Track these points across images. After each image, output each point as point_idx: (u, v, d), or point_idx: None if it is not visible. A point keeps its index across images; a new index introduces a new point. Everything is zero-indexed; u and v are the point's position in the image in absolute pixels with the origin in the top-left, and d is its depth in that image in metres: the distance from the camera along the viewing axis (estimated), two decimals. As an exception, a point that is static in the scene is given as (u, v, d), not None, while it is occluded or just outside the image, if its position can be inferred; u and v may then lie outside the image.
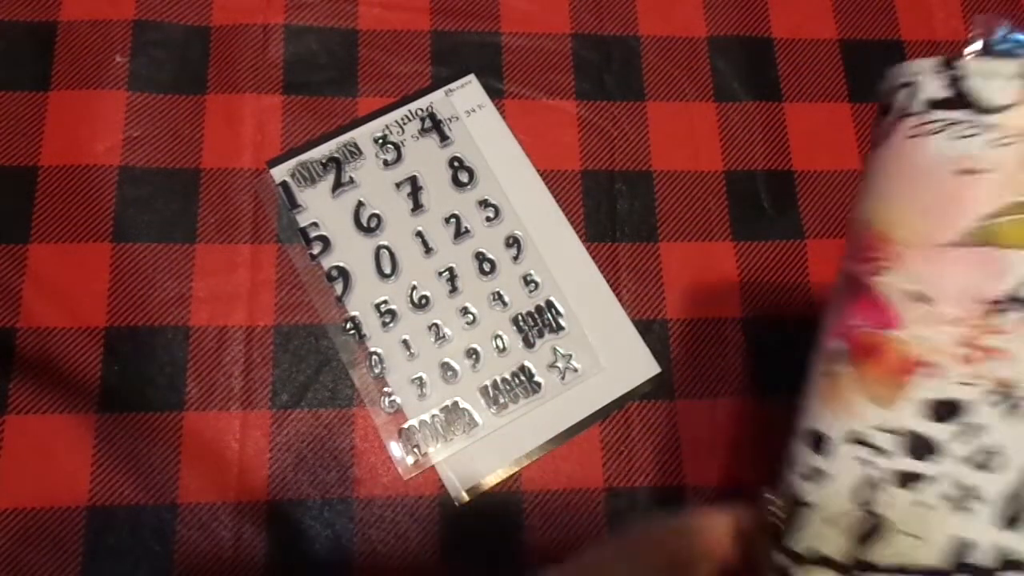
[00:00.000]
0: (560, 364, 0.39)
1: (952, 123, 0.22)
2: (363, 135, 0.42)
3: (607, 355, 0.39)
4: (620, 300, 0.40)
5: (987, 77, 0.21)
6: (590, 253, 0.41)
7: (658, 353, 0.40)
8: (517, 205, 0.41)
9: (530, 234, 0.41)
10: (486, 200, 0.41)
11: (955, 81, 0.22)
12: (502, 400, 0.38)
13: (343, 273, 0.40)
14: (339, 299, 0.39)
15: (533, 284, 0.40)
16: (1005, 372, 0.21)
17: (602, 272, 0.41)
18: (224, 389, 0.38)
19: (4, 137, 0.40)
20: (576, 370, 0.39)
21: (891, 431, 0.22)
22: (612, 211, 0.42)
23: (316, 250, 0.40)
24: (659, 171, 0.43)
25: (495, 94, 0.43)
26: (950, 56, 0.22)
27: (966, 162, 0.21)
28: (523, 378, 0.39)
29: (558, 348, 0.39)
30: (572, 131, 0.43)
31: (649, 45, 0.45)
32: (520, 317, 0.40)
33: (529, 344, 0.39)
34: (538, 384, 0.39)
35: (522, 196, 0.41)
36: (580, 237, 0.41)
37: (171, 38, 0.43)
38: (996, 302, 0.21)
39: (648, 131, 0.44)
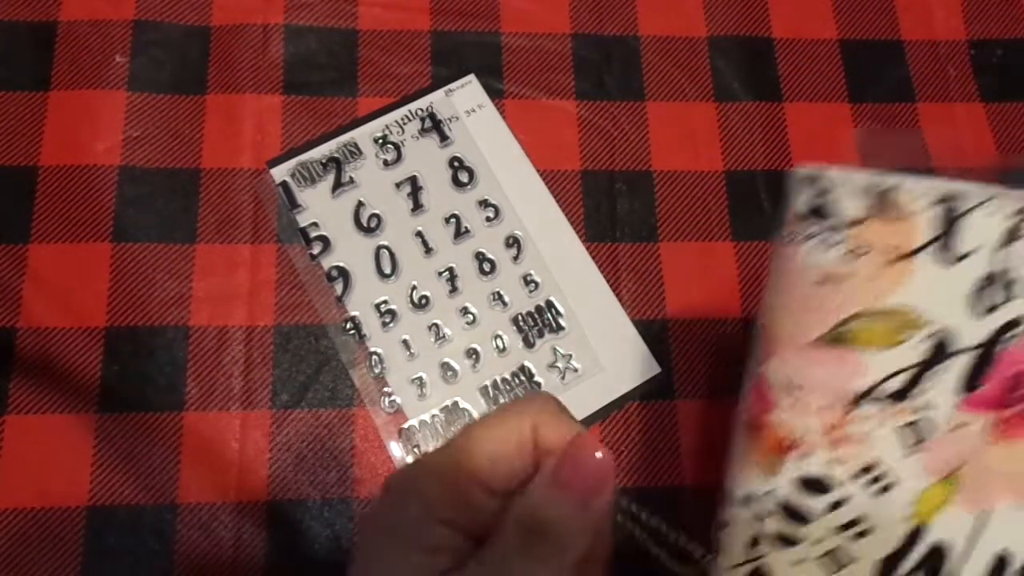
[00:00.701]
0: (560, 364, 0.39)
1: (813, 235, 0.24)
2: (363, 135, 0.42)
3: (607, 355, 0.39)
4: (620, 300, 0.40)
5: (842, 192, 0.24)
6: (590, 253, 0.41)
7: (658, 353, 0.40)
8: (517, 205, 0.41)
9: (530, 234, 0.41)
10: (486, 200, 0.41)
11: (819, 194, 0.24)
12: (502, 400, 0.38)
13: (343, 273, 0.40)
14: (339, 299, 0.39)
15: (533, 284, 0.40)
16: (866, 456, 0.24)
17: (602, 272, 0.41)
18: (224, 389, 0.38)
19: (4, 137, 0.40)
20: (576, 370, 0.39)
21: (773, 499, 0.25)
22: (612, 211, 0.42)
23: (316, 250, 0.40)
24: (659, 171, 0.43)
25: (495, 94, 0.43)
26: (814, 172, 0.24)
27: (823, 272, 0.24)
28: (523, 378, 0.39)
29: (558, 348, 0.39)
30: (572, 131, 0.43)
31: (649, 45, 0.45)
32: (520, 317, 0.40)
33: (529, 344, 0.39)
34: (538, 384, 0.39)
35: (522, 196, 0.42)
36: (580, 237, 0.41)
37: (171, 38, 0.43)
38: (855, 396, 0.24)
39: (648, 131, 0.44)
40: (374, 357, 0.39)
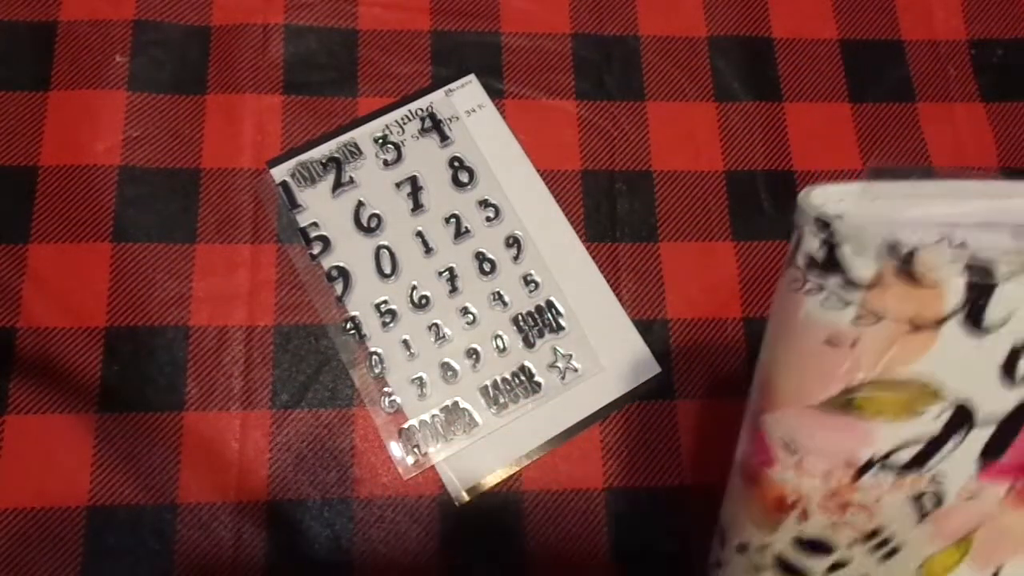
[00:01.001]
0: (560, 364, 0.39)
1: (822, 288, 0.21)
2: (363, 135, 0.42)
3: (607, 355, 0.39)
4: (620, 300, 0.40)
5: (855, 247, 0.20)
6: (590, 253, 0.41)
7: (658, 353, 0.40)
8: (517, 205, 0.41)
9: (530, 234, 0.41)
10: (486, 200, 0.41)
11: (830, 243, 0.21)
12: (502, 400, 0.38)
13: (343, 273, 0.40)
14: (339, 299, 0.39)
15: (533, 284, 0.40)
16: (872, 523, 0.22)
17: (602, 272, 0.41)
18: (224, 389, 0.38)
19: (4, 137, 0.40)
20: (576, 370, 0.39)
21: (770, 553, 0.23)
22: (612, 211, 0.42)
23: (316, 250, 0.40)
24: (659, 171, 0.43)
25: (495, 94, 0.43)
26: (826, 217, 0.20)
27: (832, 333, 0.21)
28: (523, 378, 0.39)
29: (558, 348, 0.39)
30: (572, 131, 0.43)
31: (649, 45, 0.45)
32: (520, 317, 0.40)
33: (529, 344, 0.39)
34: (538, 384, 0.39)
35: (522, 196, 0.42)
36: (580, 237, 0.41)
37: (171, 38, 0.43)
38: (862, 464, 0.21)
39: (648, 131, 0.44)
40: (374, 357, 0.39)
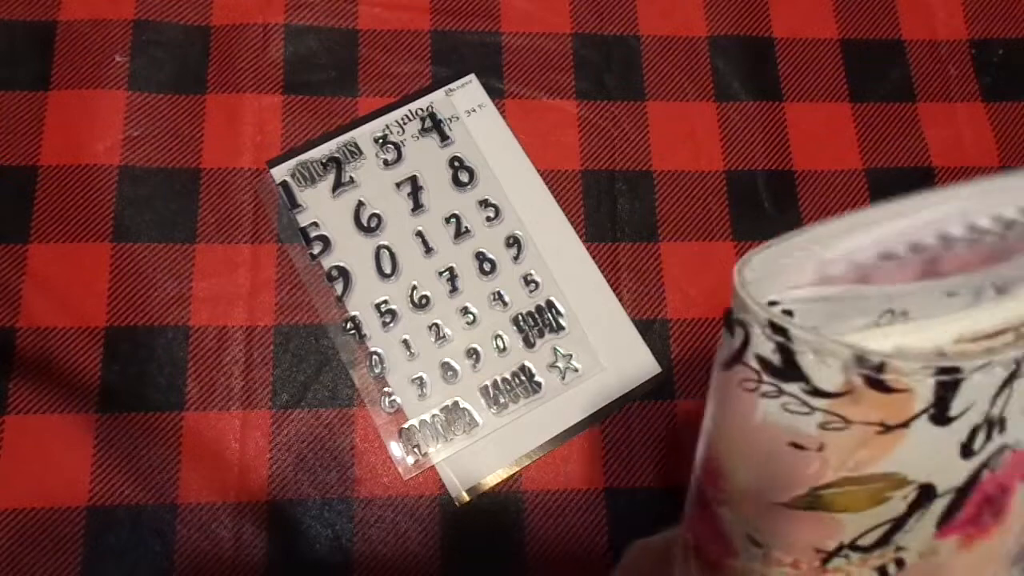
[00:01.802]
0: (560, 364, 0.39)
1: (782, 392, 0.19)
2: (363, 135, 0.42)
3: (607, 355, 0.39)
4: (620, 300, 0.40)
5: (819, 358, 0.18)
6: (590, 253, 0.41)
7: (658, 353, 0.40)
8: (517, 205, 0.41)
9: (530, 234, 0.41)
10: (486, 200, 0.41)
11: (786, 351, 0.19)
12: (502, 400, 0.38)
13: (343, 273, 0.40)
14: (339, 299, 0.39)
15: (533, 284, 0.40)
16: None
17: (602, 272, 0.41)
18: (224, 389, 0.38)
19: (4, 137, 0.40)
20: (576, 370, 0.39)
21: None
22: (612, 211, 0.42)
23: (316, 250, 0.40)
24: (659, 171, 0.43)
25: (495, 94, 0.43)
26: (777, 321, 0.18)
27: (796, 437, 0.19)
28: (523, 378, 0.39)
29: (558, 348, 0.39)
30: (572, 131, 0.43)
31: (649, 45, 0.45)
32: (520, 317, 0.40)
33: (529, 344, 0.39)
34: (538, 384, 0.39)
35: (522, 196, 0.41)
36: (580, 237, 0.41)
37: (171, 38, 0.43)
38: (828, 552, 0.21)
39: (648, 131, 0.43)
40: (374, 357, 0.39)
